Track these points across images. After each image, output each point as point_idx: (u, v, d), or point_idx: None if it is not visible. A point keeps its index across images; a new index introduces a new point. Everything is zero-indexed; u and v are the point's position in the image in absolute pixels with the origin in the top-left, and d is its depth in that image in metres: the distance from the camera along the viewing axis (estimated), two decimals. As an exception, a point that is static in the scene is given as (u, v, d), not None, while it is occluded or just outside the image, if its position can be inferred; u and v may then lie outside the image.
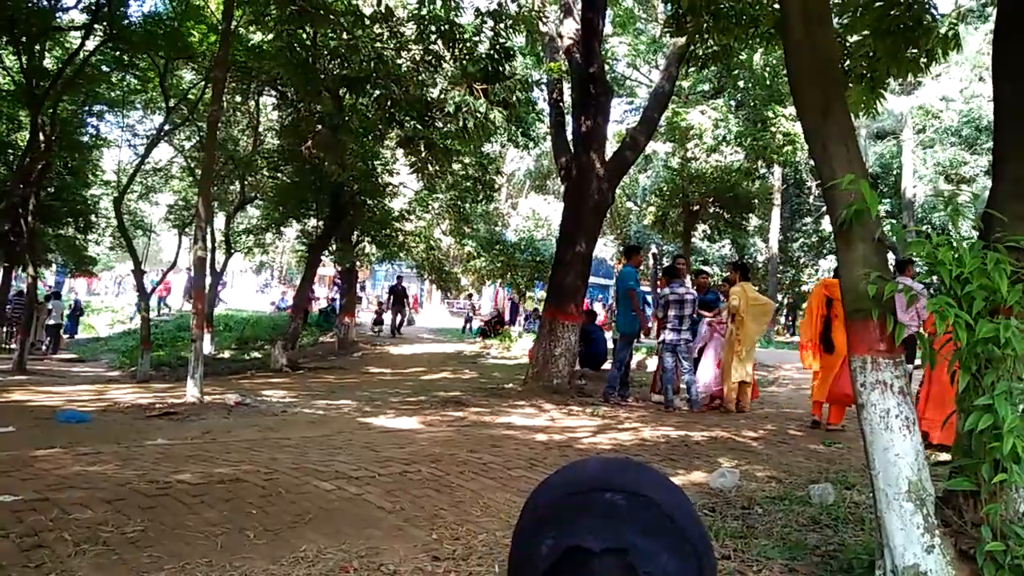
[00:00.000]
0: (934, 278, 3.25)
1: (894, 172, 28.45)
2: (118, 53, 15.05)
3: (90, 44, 14.29)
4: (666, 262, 29.76)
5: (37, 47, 14.42)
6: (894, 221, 22.64)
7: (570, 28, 11.23)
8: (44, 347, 20.58)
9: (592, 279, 13.34)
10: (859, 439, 3.28)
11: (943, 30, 5.88)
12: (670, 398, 9.06)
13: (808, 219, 32.53)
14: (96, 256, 26.21)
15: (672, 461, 6.22)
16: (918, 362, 6.89)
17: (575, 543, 0.61)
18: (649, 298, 23.65)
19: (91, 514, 3.91)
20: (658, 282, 23.39)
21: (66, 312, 23.66)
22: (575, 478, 0.69)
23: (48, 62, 15.61)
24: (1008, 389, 2.75)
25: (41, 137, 14.44)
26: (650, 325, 10.79)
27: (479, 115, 12.07)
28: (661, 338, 9.10)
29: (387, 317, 23.57)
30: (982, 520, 2.83)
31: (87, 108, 18.25)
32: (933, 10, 5.78)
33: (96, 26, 14.06)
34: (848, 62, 6.65)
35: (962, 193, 25.49)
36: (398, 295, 23.20)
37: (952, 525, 2.97)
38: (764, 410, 9.38)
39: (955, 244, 2.94)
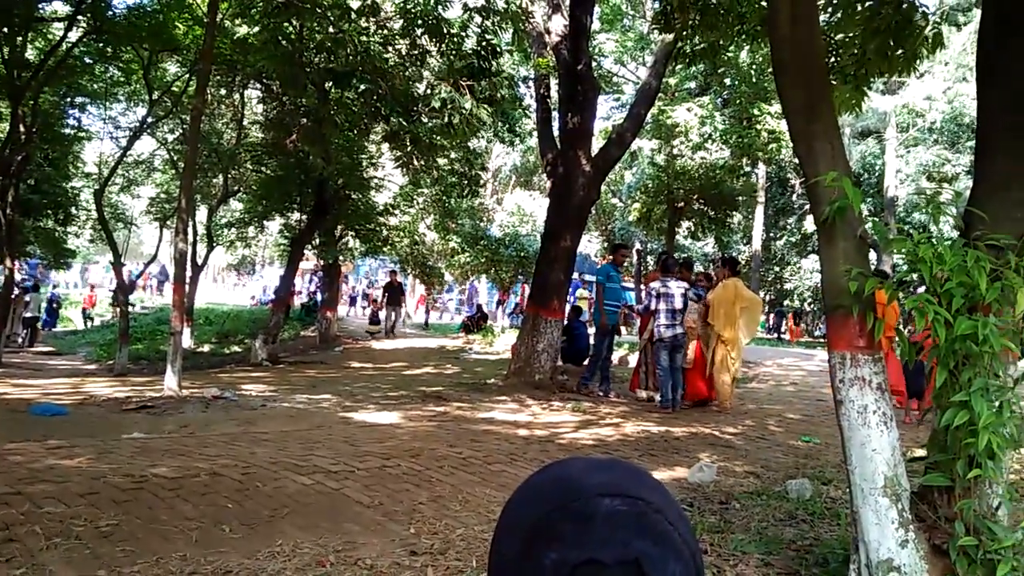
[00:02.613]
0: (914, 276, 3.25)
1: (877, 171, 28.65)
2: (101, 45, 14.86)
3: (73, 35, 14.11)
4: (650, 259, 29.92)
5: (19, 38, 14.21)
6: (876, 219, 22.75)
7: (558, 24, 11.20)
8: (20, 340, 20.33)
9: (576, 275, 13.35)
10: (836, 435, 3.29)
11: (928, 30, 5.91)
12: (667, 396, 8.89)
13: (792, 218, 32.69)
14: (76, 249, 25.88)
15: (652, 456, 6.23)
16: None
17: (586, 557, 0.57)
18: (631, 295, 23.79)
19: (64, 508, 3.86)
20: (644, 280, 23.47)
21: (43, 305, 23.40)
22: (565, 482, 0.64)
23: (30, 53, 15.41)
24: (985, 386, 2.76)
25: (21, 128, 14.25)
26: (632, 321, 10.76)
27: (465, 111, 12.02)
28: (657, 336, 8.92)
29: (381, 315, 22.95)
30: (956, 515, 2.84)
31: (69, 100, 18.00)
32: (924, 8, 5.81)
33: (79, 17, 13.88)
34: (835, 60, 6.67)
35: (944, 192, 25.71)
36: (393, 291, 21.72)
37: (926, 520, 2.98)
38: (745, 406, 9.42)
39: (936, 242, 2.95)
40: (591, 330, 13.57)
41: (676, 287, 8.93)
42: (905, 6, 5.66)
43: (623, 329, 12.06)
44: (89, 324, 26.11)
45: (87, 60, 15.80)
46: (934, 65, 24.01)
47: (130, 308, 26.66)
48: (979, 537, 2.76)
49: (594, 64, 13.39)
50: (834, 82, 6.36)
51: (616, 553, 0.58)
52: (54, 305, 25.42)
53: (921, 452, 3.23)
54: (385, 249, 21.82)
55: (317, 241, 18.86)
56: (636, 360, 10.71)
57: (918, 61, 6.16)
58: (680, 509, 0.65)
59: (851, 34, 6.50)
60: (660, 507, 0.62)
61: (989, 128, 3.42)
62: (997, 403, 2.77)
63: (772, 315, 31.89)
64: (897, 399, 6.98)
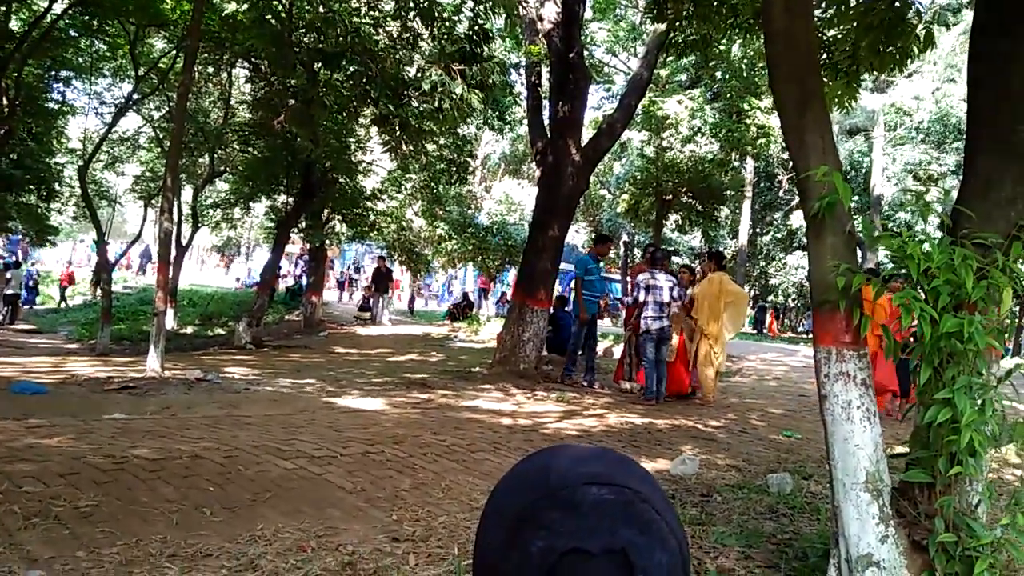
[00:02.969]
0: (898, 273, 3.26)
1: (864, 169, 28.82)
2: (87, 18, 14.64)
3: (58, 7, 13.87)
4: (637, 251, 29.97)
5: (3, 8, 13.97)
6: (864, 216, 23.02)
7: (550, 11, 11.13)
8: (1, 317, 20.13)
9: (564, 265, 13.33)
10: (817, 430, 3.31)
11: (919, 29, 5.92)
12: (652, 388, 8.88)
13: (778, 214, 32.84)
14: (58, 225, 25.56)
15: (635, 448, 6.25)
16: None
17: (573, 545, 0.57)
18: (617, 287, 23.83)
19: (43, 487, 3.82)
20: (630, 271, 23.52)
21: (23, 281, 23.15)
22: (553, 470, 0.64)
23: (14, 24, 15.16)
24: (968, 384, 2.77)
25: (4, 101, 14.04)
26: (617, 312, 10.74)
27: (455, 96, 11.96)
28: (644, 328, 8.90)
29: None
30: (936, 512, 2.87)
31: (53, 73, 17.73)
32: (918, 6, 5.83)
33: (65, -12, 13.68)
34: (827, 56, 6.68)
35: (930, 190, 25.94)
36: (382, 277, 21.11)
37: (907, 516, 3.00)
38: (727, 400, 9.47)
39: (924, 239, 2.96)
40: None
41: (664, 280, 8.93)
42: (898, 3, 5.67)
43: (606, 319, 12.05)
44: (65, 304, 25.70)
45: (72, 33, 15.57)
46: (923, 65, 24.14)
47: (112, 287, 26.45)
48: (958, 534, 2.79)
49: (586, 53, 13.34)
50: (826, 78, 6.38)
51: (603, 542, 0.58)
52: (30, 282, 25.11)
53: (902, 448, 3.24)
54: (372, 234, 21.71)
55: (303, 224, 18.75)
56: (621, 351, 10.73)
57: (909, 59, 6.18)
58: (667, 499, 0.65)
59: (844, 30, 6.51)
60: (647, 496, 0.62)
61: (978, 128, 3.43)
62: (980, 401, 2.79)
63: (755, 310, 32.10)
64: (880, 398, 7.03)
